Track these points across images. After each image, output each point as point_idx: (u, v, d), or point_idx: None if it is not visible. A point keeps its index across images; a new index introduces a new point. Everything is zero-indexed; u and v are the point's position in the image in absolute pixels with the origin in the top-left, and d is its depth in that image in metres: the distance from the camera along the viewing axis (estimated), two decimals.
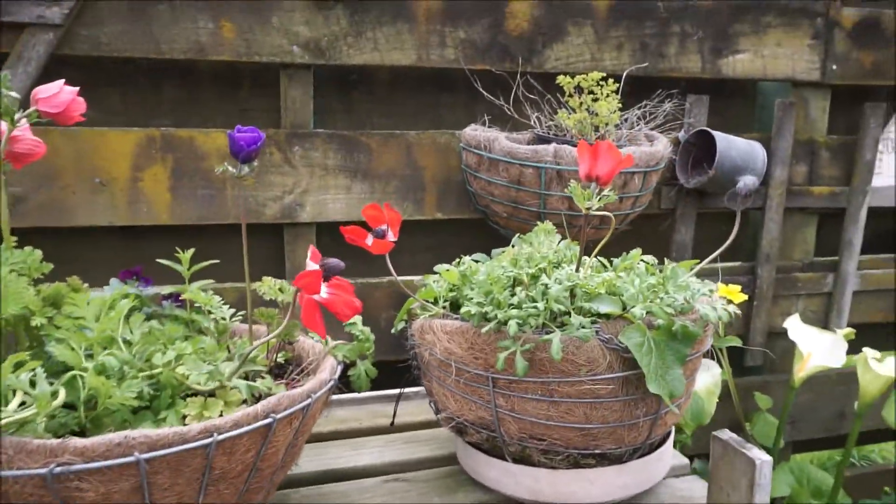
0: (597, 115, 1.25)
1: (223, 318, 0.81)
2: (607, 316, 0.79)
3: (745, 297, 1.46)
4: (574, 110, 1.27)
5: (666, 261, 0.92)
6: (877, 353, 1.37)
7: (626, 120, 1.32)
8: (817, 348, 1.42)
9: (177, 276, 0.91)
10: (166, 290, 0.94)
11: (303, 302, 0.68)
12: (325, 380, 0.75)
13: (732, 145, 1.35)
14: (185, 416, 0.70)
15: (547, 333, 0.73)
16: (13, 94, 0.79)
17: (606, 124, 1.26)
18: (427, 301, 0.89)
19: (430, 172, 1.34)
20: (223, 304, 0.86)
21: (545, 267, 0.80)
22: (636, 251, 0.97)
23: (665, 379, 0.75)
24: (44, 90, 0.81)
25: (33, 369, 0.62)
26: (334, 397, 1.24)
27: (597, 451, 0.80)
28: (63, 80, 0.83)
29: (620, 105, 1.25)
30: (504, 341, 0.74)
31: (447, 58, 1.31)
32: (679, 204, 1.44)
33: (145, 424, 0.70)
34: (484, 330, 0.75)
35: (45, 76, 1.15)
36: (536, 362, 0.75)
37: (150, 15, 1.17)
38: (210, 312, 0.81)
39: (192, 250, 0.95)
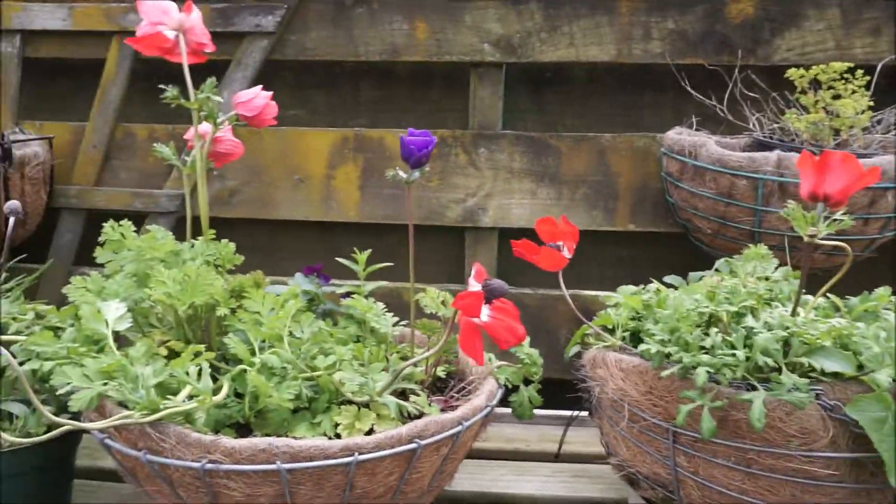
0: (838, 116, 1.03)
1: (384, 327, 0.79)
2: (835, 375, 0.62)
3: None
4: (807, 110, 1.05)
5: None
6: None
7: (879, 122, 1.07)
8: None
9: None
10: (343, 288, 0.95)
11: (461, 323, 0.63)
12: (480, 406, 0.69)
13: None
14: (337, 425, 0.69)
15: (747, 389, 0.59)
16: (218, 98, 0.84)
17: (851, 127, 1.03)
18: (604, 328, 0.79)
19: (625, 179, 1.21)
20: (393, 306, 0.84)
21: (752, 305, 0.65)
22: (883, 290, 0.77)
23: None
24: (242, 95, 0.86)
25: (201, 362, 0.64)
26: (503, 410, 1.19)
27: None
28: (261, 87, 0.87)
29: (872, 104, 1.01)
30: (689, 392, 0.61)
31: (652, 52, 1.17)
32: None
33: (301, 426, 0.70)
34: (664, 373, 0.63)
35: (260, 79, 1.25)
36: (730, 422, 0.61)
37: (350, 20, 1.20)
38: (371, 321, 0.79)
39: (368, 251, 0.95)
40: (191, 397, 0.63)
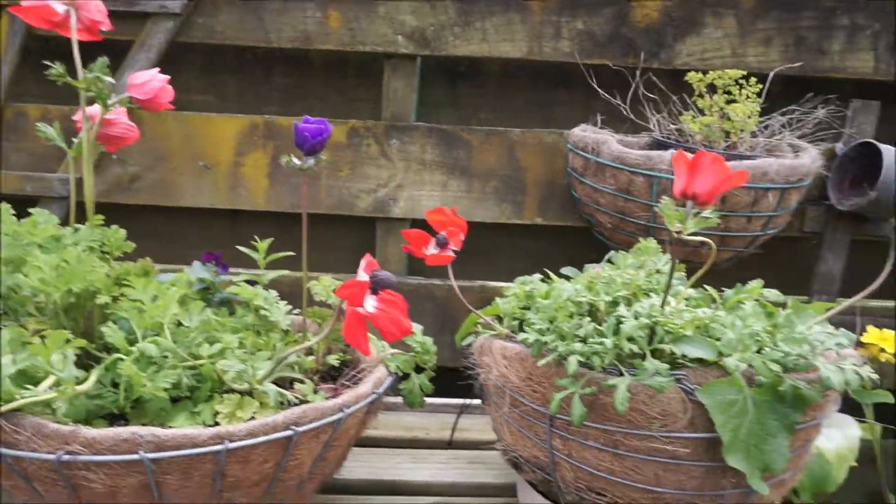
0: (730, 119, 1.08)
1: (274, 315, 0.78)
2: (700, 362, 0.66)
3: None
4: (703, 112, 1.10)
5: (789, 301, 0.76)
6: None
7: (766, 127, 1.13)
8: None
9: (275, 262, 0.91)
10: (241, 276, 0.94)
11: (347, 313, 0.63)
12: (364, 394, 0.69)
13: None
14: (217, 413, 0.68)
15: (616, 375, 0.62)
16: (109, 79, 0.81)
17: (741, 130, 1.08)
18: (497, 318, 0.80)
19: (534, 174, 1.24)
20: (297, 296, 0.84)
21: (626, 295, 0.68)
22: (755, 283, 0.81)
23: (761, 448, 0.61)
24: (137, 77, 0.82)
25: (68, 350, 0.62)
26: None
27: None
28: (157, 69, 0.84)
29: (760, 109, 1.07)
30: (562, 379, 0.63)
31: (562, 51, 1.20)
32: (828, 228, 1.22)
33: (180, 416, 0.68)
34: (541, 362, 0.65)
35: (167, 59, 1.21)
36: (599, 406, 0.63)
37: (262, 5, 1.18)
38: (260, 308, 0.78)
39: (270, 240, 0.94)
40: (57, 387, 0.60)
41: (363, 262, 0.66)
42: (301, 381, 0.72)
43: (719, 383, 0.60)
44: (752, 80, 1.09)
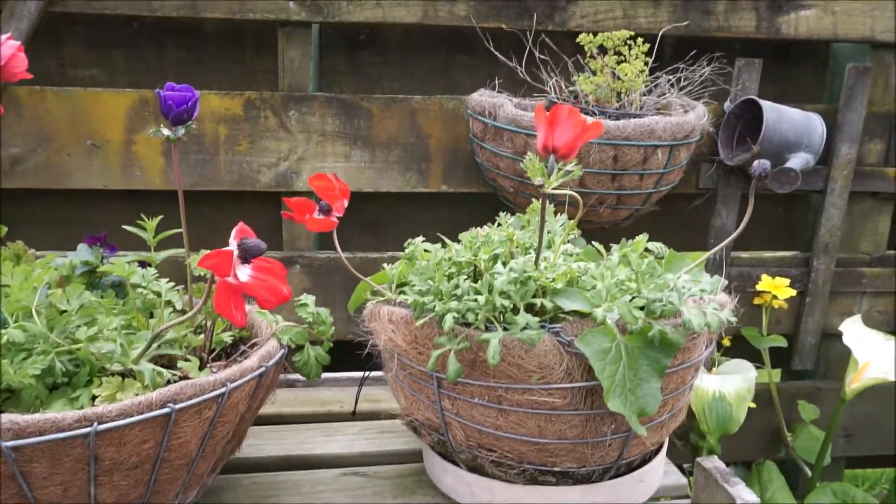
0: (620, 79, 1.10)
1: (155, 293, 0.76)
2: (578, 314, 0.68)
3: (794, 291, 1.28)
4: (595, 74, 1.12)
5: (661, 248, 0.79)
6: None
7: (656, 86, 1.16)
8: (878, 356, 1.23)
9: (171, 243, 0.89)
10: (130, 257, 0.91)
11: (217, 284, 0.61)
12: (249, 367, 0.68)
13: (784, 117, 1.16)
14: (95, 398, 0.66)
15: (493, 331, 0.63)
16: None
17: (631, 90, 1.11)
18: (383, 286, 0.80)
19: (436, 141, 1.23)
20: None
21: (504, 253, 0.69)
22: (640, 238, 0.84)
23: (635, 393, 0.63)
24: None
25: None
26: (326, 376, 1.19)
27: (556, 469, 0.69)
28: (8, 35, 0.79)
29: (647, 67, 1.10)
30: (439, 338, 0.64)
31: (457, 14, 1.19)
32: (720, 183, 1.27)
33: (57, 403, 0.66)
34: (419, 322, 0.65)
35: (49, 31, 1.14)
36: (479, 364, 0.65)
37: None
38: (139, 286, 0.76)
39: (159, 217, 0.91)
40: None
41: (234, 231, 0.64)
42: (185, 359, 0.70)
43: (593, 332, 0.62)
44: (640, 40, 1.11)
